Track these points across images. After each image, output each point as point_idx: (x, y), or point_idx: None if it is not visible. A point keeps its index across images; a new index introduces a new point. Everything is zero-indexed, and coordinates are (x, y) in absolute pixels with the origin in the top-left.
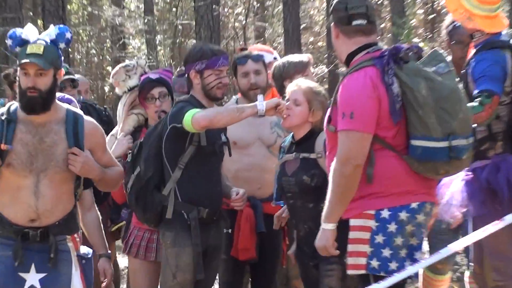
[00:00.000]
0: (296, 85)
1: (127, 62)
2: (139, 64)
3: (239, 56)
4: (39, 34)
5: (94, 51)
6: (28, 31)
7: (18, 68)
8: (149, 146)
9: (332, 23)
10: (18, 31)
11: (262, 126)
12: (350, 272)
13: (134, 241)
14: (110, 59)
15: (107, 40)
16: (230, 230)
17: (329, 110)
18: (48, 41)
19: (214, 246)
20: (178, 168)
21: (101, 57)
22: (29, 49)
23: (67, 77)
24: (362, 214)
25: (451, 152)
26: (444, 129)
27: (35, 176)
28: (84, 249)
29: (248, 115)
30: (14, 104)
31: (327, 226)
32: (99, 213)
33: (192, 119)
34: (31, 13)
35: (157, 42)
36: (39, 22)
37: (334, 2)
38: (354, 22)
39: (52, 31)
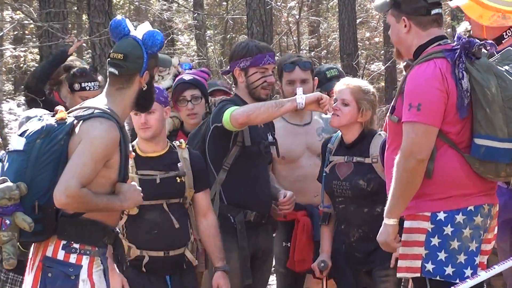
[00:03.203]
0: (344, 84)
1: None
2: (173, 63)
3: (286, 61)
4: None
5: None
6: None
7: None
8: (193, 148)
9: (400, 16)
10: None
11: (309, 134)
12: (401, 275)
13: None
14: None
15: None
16: (289, 244)
17: (393, 100)
18: None
19: (263, 250)
20: (223, 170)
21: None
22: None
23: None
24: (417, 216)
25: None
26: (510, 130)
27: None
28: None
29: (287, 110)
30: None
31: (389, 221)
32: (216, 220)
33: (231, 116)
34: (75, 8)
35: (207, 37)
36: (84, 17)
37: None
38: (434, 11)
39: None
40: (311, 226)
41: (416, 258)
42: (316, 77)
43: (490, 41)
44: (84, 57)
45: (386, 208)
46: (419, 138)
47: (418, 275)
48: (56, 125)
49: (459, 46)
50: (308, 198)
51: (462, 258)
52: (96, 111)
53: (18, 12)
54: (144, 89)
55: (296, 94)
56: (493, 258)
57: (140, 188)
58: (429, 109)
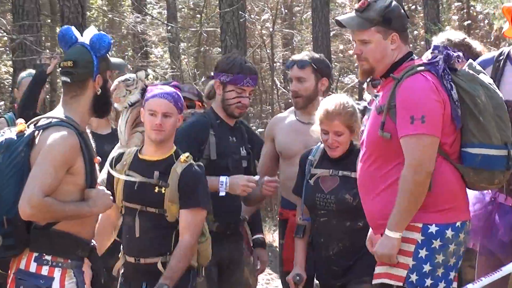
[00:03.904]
0: (329, 115)
1: (126, 76)
2: (139, 77)
3: (289, 60)
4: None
5: None
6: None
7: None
8: None
9: (389, 32)
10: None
11: (309, 134)
12: (380, 281)
13: None
14: (132, 68)
15: (129, 49)
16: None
17: (381, 116)
18: None
19: (230, 261)
20: None
21: None
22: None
23: None
24: (409, 226)
25: (510, 161)
26: (502, 137)
27: None
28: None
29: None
30: None
31: (395, 235)
32: (188, 242)
33: None
34: (49, 20)
35: (181, 50)
36: (58, 29)
37: (392, 7)
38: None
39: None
40: None
41: (402, 267)
42: (325, 78)
43: (461, 55)
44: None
45: (390, 221)
46: (426, 150)
47: (401, 284)
48: (15, 138)
49: (437, 59)
50: None
51: (440, 271)
52: (54, 120)
53: None
54: (98, 93)
55: None
56: (469, 270)
57: (109, 192)
58: (433, 121)
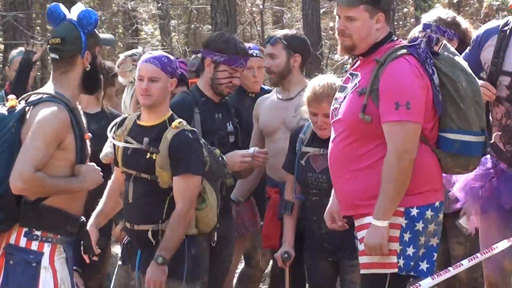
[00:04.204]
0: (319, 99)
1: (133, 51)
2: (140, 52)
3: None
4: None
5: None
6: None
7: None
8: None
9: (375, 11)
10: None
11: (288, 110)
12: (377, 271)
13: None
14: (122, 46)
15: (119, 26)
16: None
17: (363, 98)
18: None
19: (221, 236)
20: None
21: None
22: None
23: None
24: (401, 213)
25: (486, 147)
26: (480, 123)
27: None
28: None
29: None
30: None
31: (382, 223)
32: (180, 210)
33: None
34: None
35: (171, 27)
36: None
37: None
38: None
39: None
40: (278, 204)
41: (392, 254)
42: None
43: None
44: None
45: (377, 210)
46: (411, 137)
47: (396, 270)
48: (6, 113)
49: (419, 42)
50: (280, 174)
51: (422, 252)
52: (45, 96)
53: None
54: (87, 69)
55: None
56: (457, 247)
57: (99, 168)
58: (417, 107)
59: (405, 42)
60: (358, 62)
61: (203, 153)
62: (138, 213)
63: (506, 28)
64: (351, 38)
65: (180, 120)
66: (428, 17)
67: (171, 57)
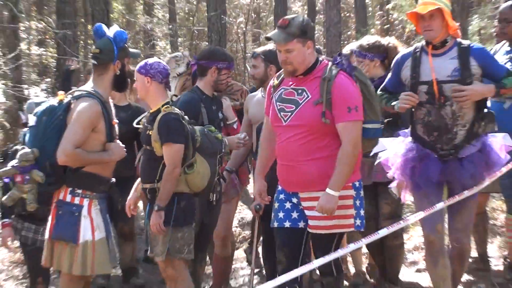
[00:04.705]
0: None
1: (175, 53)
2: (185, 55)
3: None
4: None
5: None
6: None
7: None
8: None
9: (306, 41)
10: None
11: None
12: (338, 231)
13: None
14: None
15: (141, 42)
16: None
17: (320, 107)
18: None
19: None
20: None
21: None
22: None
23: None
24: (344, 187)
25: (383, 130)
26: (380, 114)
27: None
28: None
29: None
30: None
31: (336, 193)
32: (168, 170)
33: None
34: (83, 20)
35: (179, 43)
36: (89, 26)
37: (306, 22)
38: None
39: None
40: None
41: (349, 218)
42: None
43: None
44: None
45: (332, 183)
46: (359, 132)
47: (353, 229)
48: (57, 105)
49: (342, 61)
50: None
51: (362, 212)
52: (84, 92)
53: (41, 22)
54: (117, 74)
55: None
56: (385, 206)
57: (123, 146)
58: (360, 109)
59: (330, 62)
60: (291, 82)
61: (184, 128)
62: (143, 175)
63: (417, 51)
64: (292, 65)
65: (168, 105)
66: (352, 46)
67: (151, 62)
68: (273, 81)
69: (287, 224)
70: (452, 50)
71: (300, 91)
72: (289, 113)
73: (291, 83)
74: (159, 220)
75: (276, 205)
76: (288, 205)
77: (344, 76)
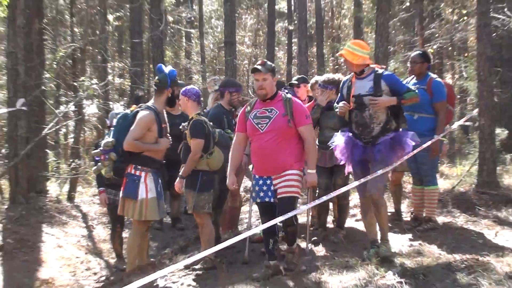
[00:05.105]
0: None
1: (214, 77)
2: (220, 78)
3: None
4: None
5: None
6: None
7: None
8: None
9: (273, 75)
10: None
11: None
12: (295, 195)
13: None
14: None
15: (183, 75)
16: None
17: (287, 117)
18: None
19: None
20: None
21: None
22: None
23: None
24: (300, 169)
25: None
26: None
27: None
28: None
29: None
30: None
31: (313, 171)
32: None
33: None
34: (147, 61)
35: (206, 77)
36: (151, 66)
37: (273, 65)
38: None
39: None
40: None
41: (299, 187)
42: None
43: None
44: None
45: (310, 165)
46: (313, 131)
47: (298, 195)
48: (129, 112)
49: (289, 91)
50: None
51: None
52: (146, 106)
53: (121, 62)
54: (169, 96)
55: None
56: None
57: (169, 140)
58: (310, 118)
59: (283, 92)
60: (261, 106)
61: (205, 130)
62: (183, 158)
63: (350, 78)
64: (266, 90)
65: (198, 114)
66: (316, 79)
67: (189, 88)
68: (247, 108)
69: (266, 199)
70: (370, 75)
71: (270, 109)
72: (265, 124)
73: (261, 106)
74: (179, 184)
75: (256, 188)
76: (264, 187)
77: (295, 98)
